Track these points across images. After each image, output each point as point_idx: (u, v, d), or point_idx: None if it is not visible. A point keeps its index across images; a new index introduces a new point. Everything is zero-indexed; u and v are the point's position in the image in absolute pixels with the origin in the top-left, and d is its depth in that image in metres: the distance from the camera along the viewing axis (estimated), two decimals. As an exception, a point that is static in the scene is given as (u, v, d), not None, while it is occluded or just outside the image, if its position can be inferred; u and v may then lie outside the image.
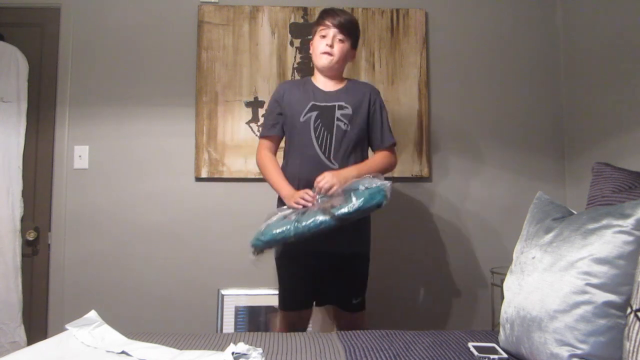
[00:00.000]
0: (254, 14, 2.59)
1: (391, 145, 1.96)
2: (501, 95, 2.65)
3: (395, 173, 2.55)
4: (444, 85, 2.64)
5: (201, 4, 2.59)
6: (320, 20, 1.93)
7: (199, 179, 2.53)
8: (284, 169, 1.91)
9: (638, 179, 1.54)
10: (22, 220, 2.43)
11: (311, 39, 1.99)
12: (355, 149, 1.88)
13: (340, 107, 1.86)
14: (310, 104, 1.88)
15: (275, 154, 1.98)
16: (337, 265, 1.86)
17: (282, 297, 1.94)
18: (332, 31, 1.87)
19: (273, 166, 1.91)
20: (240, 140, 2.54)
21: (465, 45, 2.67)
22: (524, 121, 2.65)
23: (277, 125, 1.95)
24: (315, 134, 1.84)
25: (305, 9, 2.61)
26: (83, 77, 2.55)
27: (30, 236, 2.45)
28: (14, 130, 2.44)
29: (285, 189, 1.82)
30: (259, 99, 2.56)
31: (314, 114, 1.86)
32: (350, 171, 1.79)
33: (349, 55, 1.96)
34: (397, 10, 2.63)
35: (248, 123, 2.55)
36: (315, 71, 1.99)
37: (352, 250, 1.87)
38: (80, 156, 2.52)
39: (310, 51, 1.99)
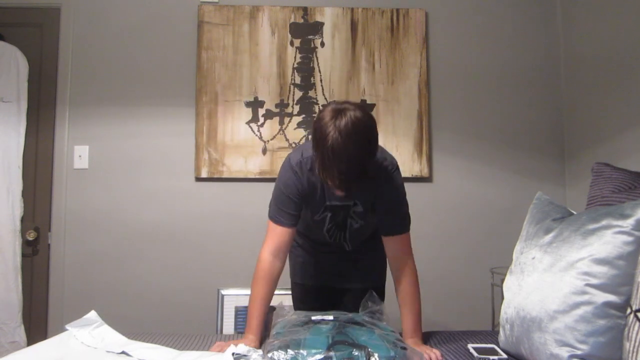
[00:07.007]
0: (254, 13, 2.59)
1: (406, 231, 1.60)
2: (501, 95, 2.65)
3: (395, 173, 2.56)
4: (444, 85, 2.64)
5: (201, 4, 2.59)
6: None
7: (199, 179, 2.53)
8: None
9: (638, 179, 1.54)
10: (22, 220, 2.43)
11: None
12: (367, 237, 1.76)
13: (355, 204, 1.64)
14: (325, 204, 1.64)
15: (286, 251, 1.59)
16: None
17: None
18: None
19: (259, 293, 1.52)
20: (240, 140, 2.54)
21: (465, 45, 2.67)
22: (524, 121, 2.65)
23: (296, 218, 1.60)
24: (328, 232, 1.71)
25: (305, 9, 2.60)
26: (83, 77, 2.55)
27: (30, 236, 2.45)
28: (14, 130, 2.44)
29: (252, 329, 1.47)
30: (259, 99, 2.56)
31: (329, 214, 1.67)
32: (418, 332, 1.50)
33: None
34: (397, 10, 2.63)
35: (248, 123, 2.55)
36: None
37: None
38: (80, 156, 2.52)
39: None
